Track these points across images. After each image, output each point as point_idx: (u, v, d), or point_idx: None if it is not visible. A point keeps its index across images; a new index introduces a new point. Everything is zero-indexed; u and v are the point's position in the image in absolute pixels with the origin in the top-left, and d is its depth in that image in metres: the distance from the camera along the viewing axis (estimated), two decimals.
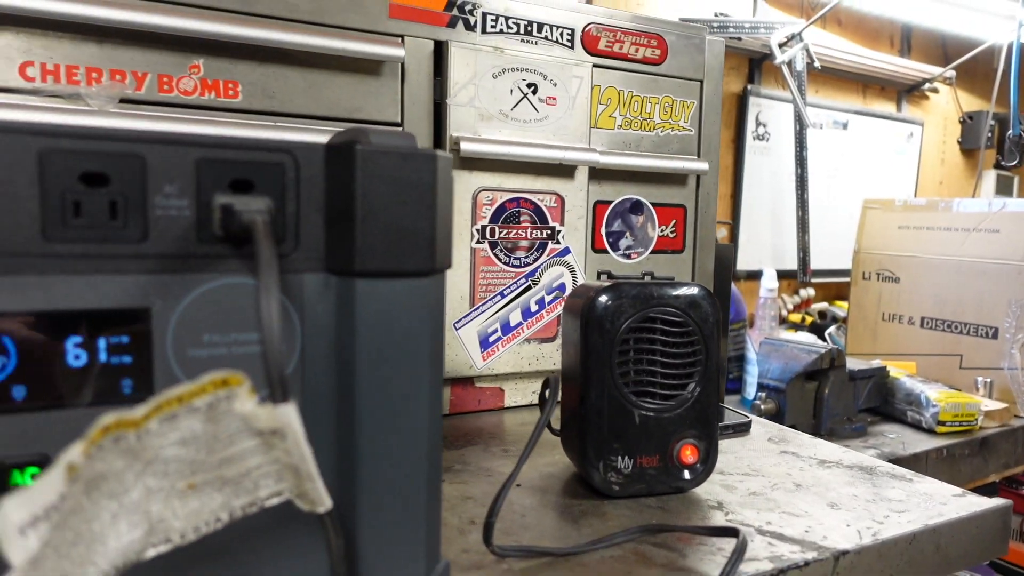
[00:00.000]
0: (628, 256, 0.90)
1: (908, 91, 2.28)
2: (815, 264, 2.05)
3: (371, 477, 0.38)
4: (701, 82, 0.93)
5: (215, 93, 0.65)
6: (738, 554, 0.45)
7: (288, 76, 0.69)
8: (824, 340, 1.86)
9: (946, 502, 0.59)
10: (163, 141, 0.33)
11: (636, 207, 0.90)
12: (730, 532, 0.49)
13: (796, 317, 1.98)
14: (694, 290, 0.59)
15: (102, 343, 0.34)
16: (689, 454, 0.59)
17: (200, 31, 0.63)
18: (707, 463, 0.60)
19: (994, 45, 2.24)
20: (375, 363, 0.38)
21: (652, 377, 0.58)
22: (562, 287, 0.85)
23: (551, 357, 0.85)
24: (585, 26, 0.84)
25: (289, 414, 0.27)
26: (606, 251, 0.89)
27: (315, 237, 0.37)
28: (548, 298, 0.84)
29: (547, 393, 0.58)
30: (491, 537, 0.46)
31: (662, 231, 0.92)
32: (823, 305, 2.10)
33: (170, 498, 0.29)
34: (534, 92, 0.80)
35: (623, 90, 0.87)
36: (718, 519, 0.56)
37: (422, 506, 0.41)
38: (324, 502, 0.32)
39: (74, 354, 0.33)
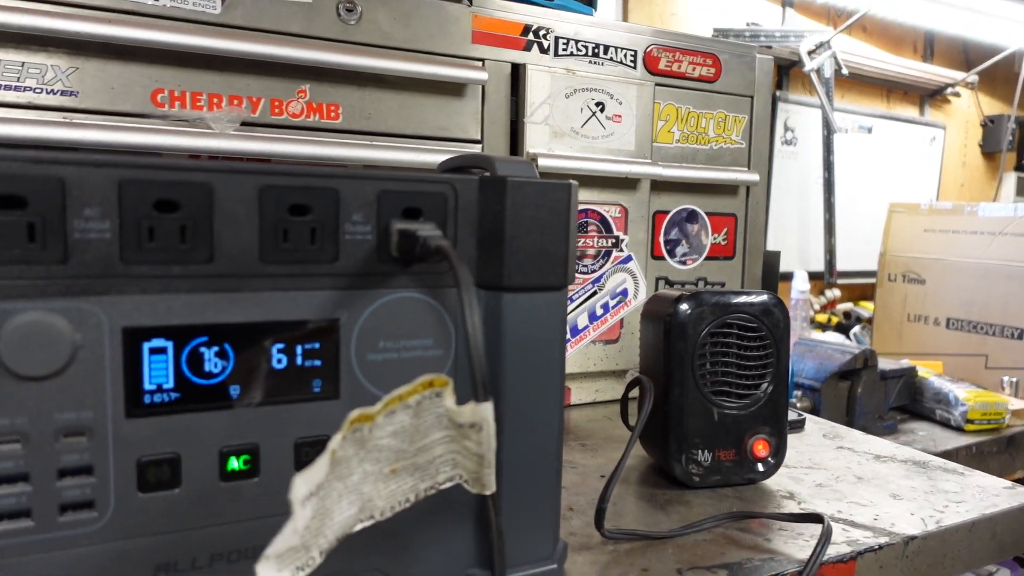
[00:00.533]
0: (684, 262, 0.96)
1: (931, 95, 2.33)
2: (840, 266, 2.09)
3: (512, 468, 0.44)
4: (751, 98, 0.98)
5: (319, 115, 0.71)
6: (825, 538, 0.50)
7: (383, 99, 0.74)
8: (849, 340, 1.91)
9: (999, 494, 0.64)
10: (354, 177, 0.39)
11: (692, 216, 0.95)
12: (814, 518, 0.54)
13: (823, 317, 2.03)
14: (765, 298, 0.65)
15: (299, 349, 0.39)
16: (762, 448, 0.64)
17: (308, 59, 0.68)
18: (778, 456, 0.65)
19: (1016, 51, 2.28)
20: (518, 366, 0.43)
21: (729, 378, 0.64)
22: (624, 292, 0.90)
23: (614, 358, 0.91)
24: (647, 47, 0.89)
25: (488, 410, 0.33)
26: (663, 258, 0.94)
27: (469, 256, 0.43)
28: (612, 303, 0.90)
29: (632, 392, 0.63)
30: (603, 521, 0.52)
31: (715, 239, 0.97)
32: (848, 306, 2.15)
33: (377, 481, 0.35)
34: (602, 110, 0.85)
35: (680, 107, 0.92)
36: (791, 507, 0.61)
37: (552, 493, 0.46)
38: (492, 486, 0.38)
39: (277, 359, 0.39)
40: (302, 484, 0.29)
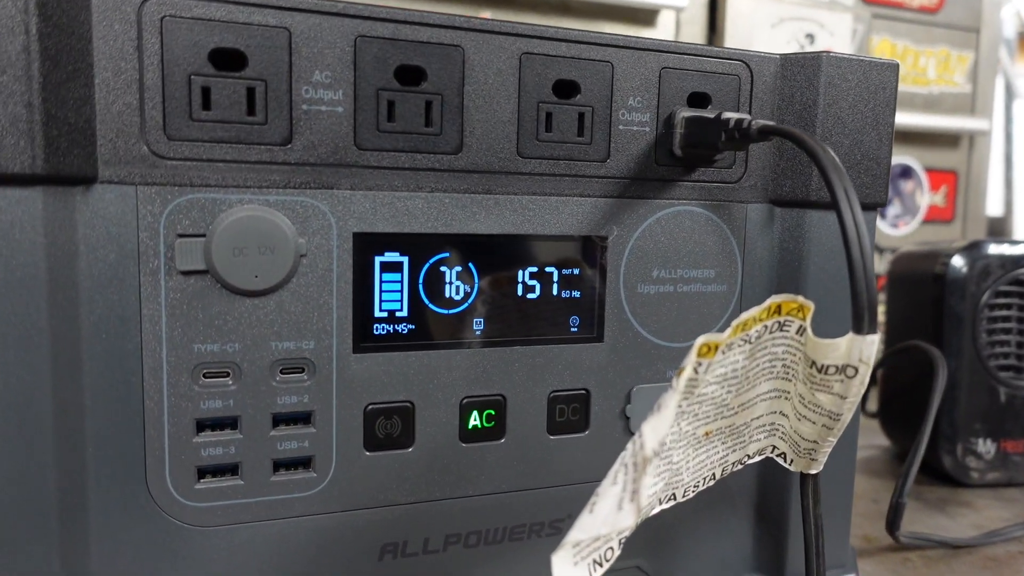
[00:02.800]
0: (895, 225, 0.82)
1: None
2: None
3: None
4: (977, 32, 0.83)
5: None
6: None
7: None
8: None
9: None
10: (632, 47, 0.30)
11: (906, 172, 0.81)
12: None
13: None
14: None
15: (556, 274, 0.30)
16: None
17: None
18: None
19: None
20: (822, 311, 0.33)
21: (1021, 349, 0.50)
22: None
23: None
24: None
25: (873, 346, 0.23)
26: None
27: (762, 163, 0.33)
28: None
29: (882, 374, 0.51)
30: (899, 521, 0.40)
31: (932, 198, 0.83)
32: None
33: (689, 446, 0.25)
34: (811, 43, 0.73)
35: (896, 42, 0.79)
36: None
37: (847, 482, 0.36)
38: (822, 463, 0.28)
39: (529, 285, 0.30)
40: (652, 435, 0.20)
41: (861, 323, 0.22)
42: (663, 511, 0.26)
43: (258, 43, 0.25)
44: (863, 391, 0.24)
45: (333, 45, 0.25)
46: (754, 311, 0.23)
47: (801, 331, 0.24)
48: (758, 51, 0.32)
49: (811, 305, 0.24)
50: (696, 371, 0.22)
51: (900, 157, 0.81)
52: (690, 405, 0.24)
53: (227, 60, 0.25)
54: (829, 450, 0.27)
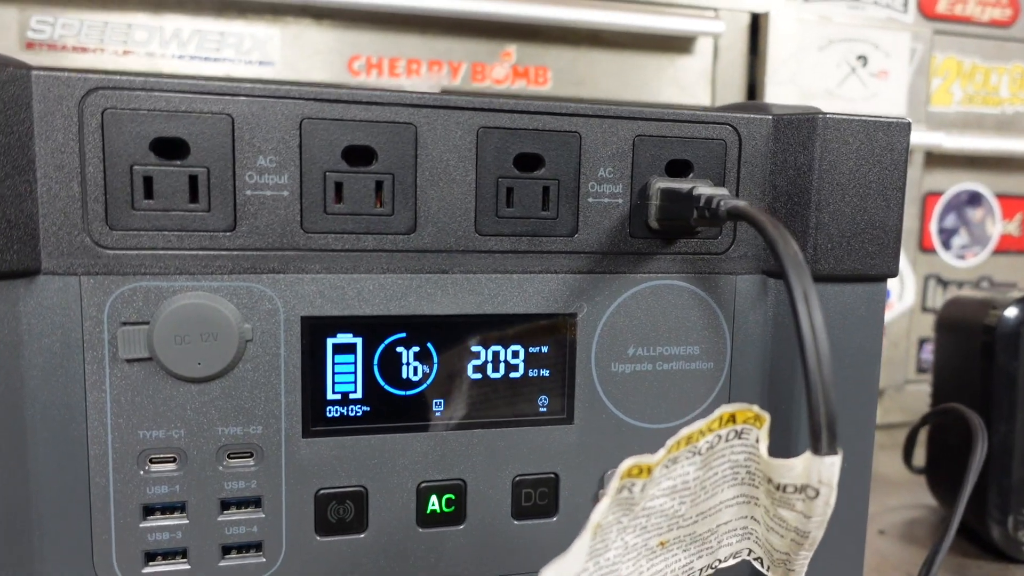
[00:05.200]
0: (962, 256, 0.76)
1: None
2: None
3: None
4: None
5: (525, 80, 0.62)
6: None
7: (597, 60, 0.63)
8: None
9: None
10: (601, 116, 0.28)
11: (974, 199, 0.75)
12: None
13: None
14: None
15: (522, 353, 0.29)
16: None
17: (516, 15, 0.59)
18: None
19: None
20: None
21: None
22: (887, 294, 0.73)
23: None
24: None
25: (834, 469, 0.20)
26: (934, 251, 0.75)
27: (753, 232, 0.30)
28: None
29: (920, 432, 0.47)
30: None
31: (1004, 227, 0.76)
32: None
33: (640, 558, 0.24)
34: (864, 65, 0.68)
35: (964, 59, 0.73)
36: None
37: (861, 537, 0.33)
38: (801, 574, 0.25)
39: (493, 365, 0.29)
40: None
41: (819, 443, 0.20)
42: None
43: (200, 131, 0.24)
44: (830, 511, 0.22)
45: (277, 129, 0.25)
46: (701, 423, 0.21)
47: (759, 441, 0.22)
48: (747, 116, 0.30)
49: (766, 416, 0.22)
50: (630, 491, 0.21)
51: (968, 183, 0.75)
52: (633, 520, 0.22)
53: (169, 148, 0.24)
54: (806, 563, 0.24)
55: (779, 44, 0.66)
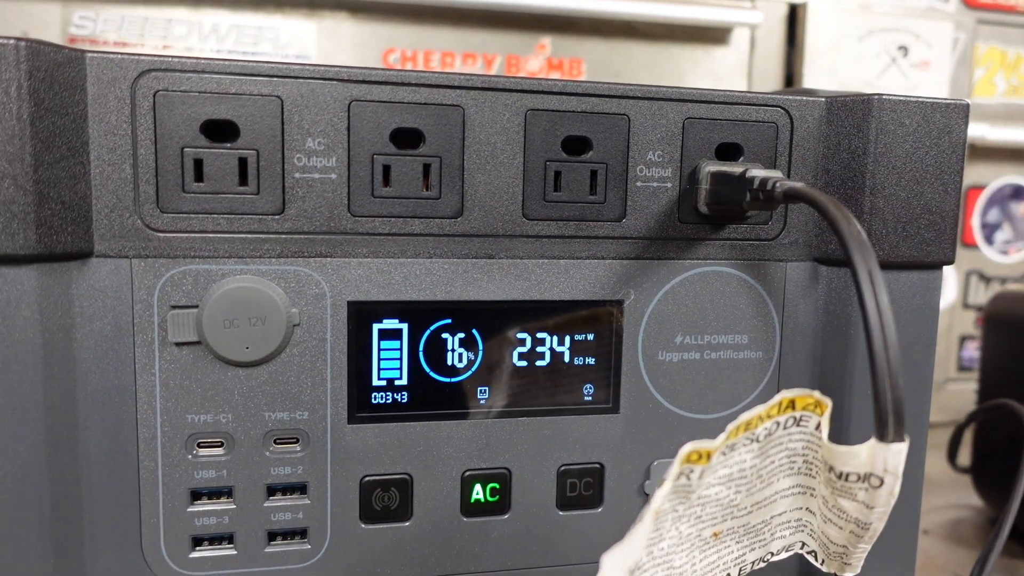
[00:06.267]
0: (1005, 252, 0.74)
1: None
2: None
3: None
4: None
5: (560, 72, 0.61)
6: None
7: (632, 51, 0.63)
8: None
9: None
10: (651, 98, 0.27)
11: (1018, 192, 0.73)
12: None
13: None
14: None
15: (567, 340, 0.28)
16: None
17: (551, 8, 0.59)
18: None
19: None
20: None
21: None
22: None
23: None
24: None
25: (900, 456, 0.20)
26: (976, 246, 0.73)
27: (804, 217, 0.29)
28: None
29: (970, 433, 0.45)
30: None
31: None
32: None
33: (694, 549, 0.23)
34: (904, 55, 0.67)
35: (1008, 50, 0.71)
36: None
37: (914, 533, 0.32)
38: (858, 567, 0.24)
39: (538, 352, 0.28)
40: (615, 568, 0.18)
41: (884, 429, 0.20)
42: None
43: (249, 113, 0.24)
44: (893, 501, 0.21)
45: (326, 111, 0.25)
46: (761, 408, 0.21)
47: (819, 428, 0.22)
48: (801, 98, 0.29)
49: (828, 402, 0.21)
50: (688, 478, 0.20)
51: (1012, 176, 0.73)
52: (689, 508, 0.22)
53: (220, 131, 0.24)
54: (863, 555, 0.24)
55: (817, 34, 0.65)
